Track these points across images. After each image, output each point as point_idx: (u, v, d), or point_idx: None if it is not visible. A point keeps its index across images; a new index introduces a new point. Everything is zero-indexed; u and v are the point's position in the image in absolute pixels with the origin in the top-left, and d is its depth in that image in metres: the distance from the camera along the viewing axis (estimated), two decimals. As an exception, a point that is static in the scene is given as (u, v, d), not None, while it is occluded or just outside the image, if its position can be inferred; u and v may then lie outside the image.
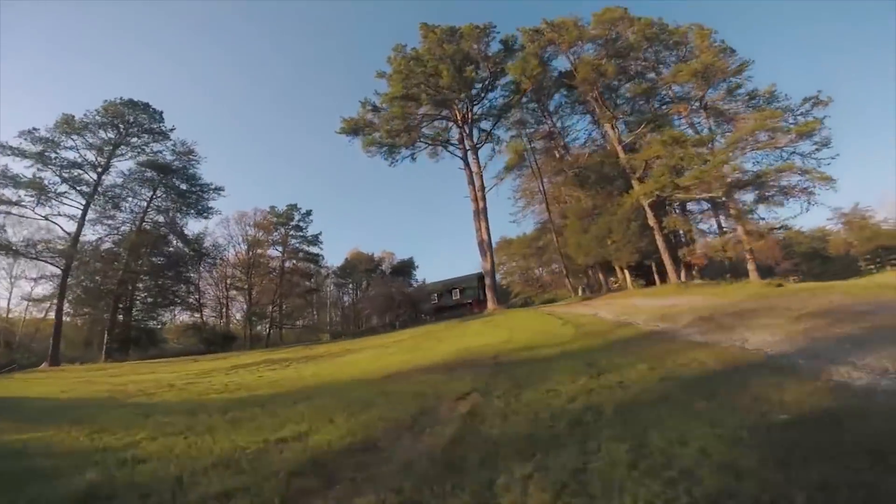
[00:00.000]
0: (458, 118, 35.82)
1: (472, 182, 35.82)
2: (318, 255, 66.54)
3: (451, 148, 38.17)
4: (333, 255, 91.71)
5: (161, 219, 46.17)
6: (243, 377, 12.14)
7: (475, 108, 36.31)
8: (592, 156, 34.92)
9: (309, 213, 66.41)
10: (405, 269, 77.10)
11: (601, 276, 36.91)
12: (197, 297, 49.25)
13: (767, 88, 28.44)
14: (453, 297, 64.51)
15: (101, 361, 31.59)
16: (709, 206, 30.17)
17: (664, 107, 32.68)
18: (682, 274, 28.38)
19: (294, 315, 65.16)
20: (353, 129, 34.78)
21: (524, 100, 37.96)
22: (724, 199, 25.60)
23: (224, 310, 54.38)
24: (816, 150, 25.59)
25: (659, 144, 24.46)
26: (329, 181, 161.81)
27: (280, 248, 63.64)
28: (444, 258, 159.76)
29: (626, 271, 32.11)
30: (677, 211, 31.22)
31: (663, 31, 31.11)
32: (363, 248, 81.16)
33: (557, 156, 41.53)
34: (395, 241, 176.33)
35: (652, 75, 33.17)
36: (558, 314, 19.21)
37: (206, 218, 48.73)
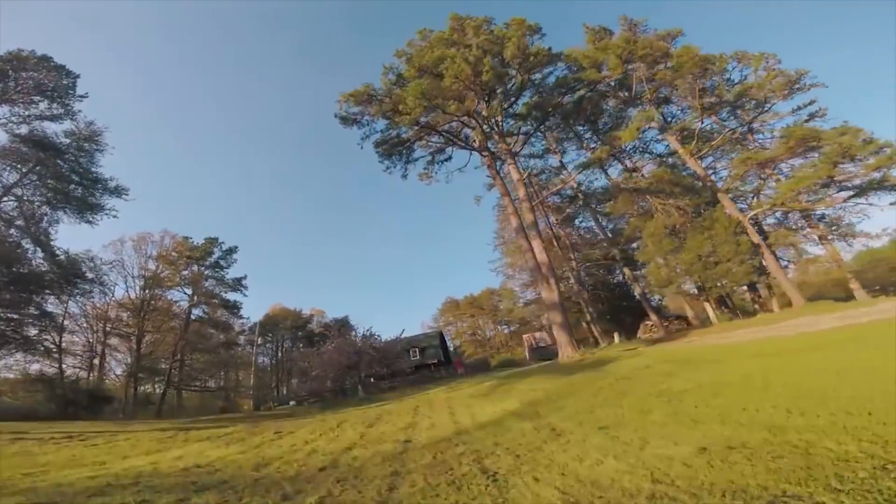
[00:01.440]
0: (489, 118, 29.19)
1: (507, 193, 28.46)
2: (237, 302, 52.63)
3: (478, 153, 30.77)
4: (249, 310, 78.12)
5: (19, 218, 30.56)
6: None
7: (507, 113, 30.34)
8: (661, 169, 30.44)
9: (232, 250, 54.01)
10: (341, 328, 66.59)
11: (652, 314, 30.76)
12: (56, 338, 31.90)
13: (823, 109, 27.62)
14: (412, 358, 54.13)
15: None
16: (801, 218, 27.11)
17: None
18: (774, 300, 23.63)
19: (202, 374, 48.25)
20: (366, 98, 26.04)
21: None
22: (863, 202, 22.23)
23: (98, 360, 36.66)
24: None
25: (795, 140, 20.80)
26: (252, 228, 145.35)
27: (189, 291, 48.76)
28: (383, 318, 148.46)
29: (709, 302, 26.65)
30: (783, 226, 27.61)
31: (705, 59, 29.61)
32: (286, 304, 71.77)
33: (574, 187, 37.16)
34: (323, 301, 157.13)
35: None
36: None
37: (89, 222, 32.42)
